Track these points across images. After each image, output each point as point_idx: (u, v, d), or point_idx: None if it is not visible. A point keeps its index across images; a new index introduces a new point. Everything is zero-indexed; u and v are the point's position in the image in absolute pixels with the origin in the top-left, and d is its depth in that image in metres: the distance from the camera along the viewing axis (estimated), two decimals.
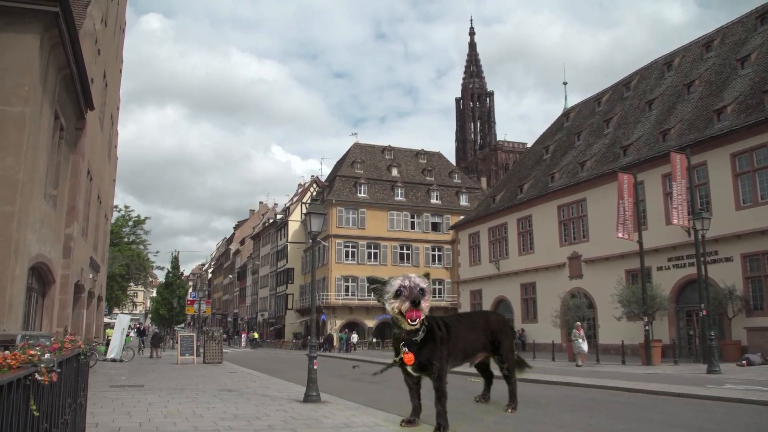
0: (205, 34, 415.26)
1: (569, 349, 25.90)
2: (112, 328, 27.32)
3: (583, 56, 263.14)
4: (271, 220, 72.65)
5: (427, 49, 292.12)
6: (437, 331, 5.69)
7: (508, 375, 6.70)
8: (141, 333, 39.14)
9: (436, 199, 52.34)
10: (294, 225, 59.71)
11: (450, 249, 50.17)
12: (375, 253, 49.35)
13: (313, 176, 68.03)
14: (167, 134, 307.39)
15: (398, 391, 12.98)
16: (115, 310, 48.70)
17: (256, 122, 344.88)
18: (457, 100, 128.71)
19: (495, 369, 7.22)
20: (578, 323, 22.78)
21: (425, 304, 5.24)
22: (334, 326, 47.45)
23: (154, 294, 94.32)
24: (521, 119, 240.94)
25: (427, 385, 6.12)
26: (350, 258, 48.89)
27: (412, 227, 50.81)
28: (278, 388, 12.71)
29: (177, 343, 24.65)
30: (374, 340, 46.57)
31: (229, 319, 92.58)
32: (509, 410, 6.45)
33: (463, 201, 53.29)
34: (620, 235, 23.97)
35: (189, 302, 52.98)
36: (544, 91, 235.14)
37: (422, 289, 5.24)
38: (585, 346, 21.68)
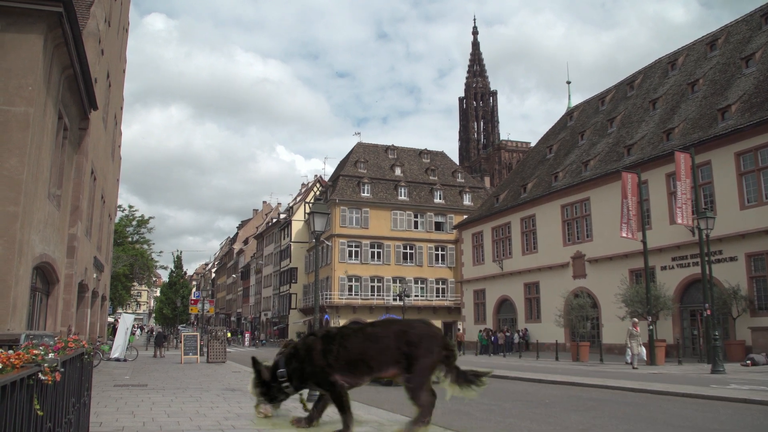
0: (208, 34, 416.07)
1: (573, 348, 25.86)
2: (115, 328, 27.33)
3: (585, 56, 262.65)
4: (274, 220, 72.68)
5: (429, 49, 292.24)
6: (304, 355, 6.08)
7: (412, 398, 6.05)
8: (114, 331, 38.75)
9: (440, 199, 52.26)
10: (297, 225, 59.73)
11: (453, 248, 50.11)
12: (378, 253, 49.33)
13: (316, 176, 67.94)
14: (172, 134, 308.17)
15: (401, 390, 13.00)
16: (119, 310, 48.79)
17: (260, 122, 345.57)
18: (461, 100, 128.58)
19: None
20: (635, 320, 21.14)
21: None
22: (337, 326, 47.42)
23: (158, 294, 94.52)
24: (524, 119, 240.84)
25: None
26: (353, 257, 48.87)
27: (416, 227, 50.75)
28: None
29: (180, 342, 24.69)
30: None
31: (233, 318, 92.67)
32: None
33: (467, 200, 53.19)
34: (624, 235, 23.91)
35: (192, 302, 53.09)
36: (546, 91, 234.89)
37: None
38: (643, 349, 20.00)
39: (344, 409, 5.88)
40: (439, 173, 54.97)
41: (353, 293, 48.46)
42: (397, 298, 42.82)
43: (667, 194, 25.61)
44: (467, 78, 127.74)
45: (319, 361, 5.87)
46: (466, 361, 27.10)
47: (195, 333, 26.36)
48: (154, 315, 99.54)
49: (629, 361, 20.07)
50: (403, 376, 5.72)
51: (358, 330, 6.10)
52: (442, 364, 5.83)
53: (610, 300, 26.42)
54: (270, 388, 6.27)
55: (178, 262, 78.96)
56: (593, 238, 30.02)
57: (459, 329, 42.44)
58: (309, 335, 6.37)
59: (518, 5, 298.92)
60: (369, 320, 43.57)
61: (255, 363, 6.51)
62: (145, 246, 43.85)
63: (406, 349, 5.69)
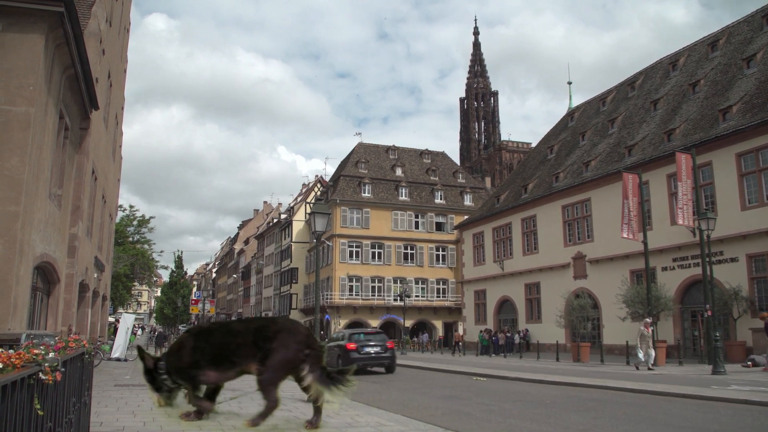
0: (209, 34, 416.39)
1: (573, 349, 25.84)
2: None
3: (586, 57, 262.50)
4: (275, 220, 72.69)
5: (430, 50, 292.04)
6: (176, 351, 6.49)
7: (261, 391, 6.35)
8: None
9: (440, 199, 52.27)
10: (298, 225, 59.75)
11: (454, 249, 50.11)
12: (379, 253, 49.35)
13: (317, 176, 67.96)
14: (173, 134, 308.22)
15: (402, 392, 12.96)
16: (120, 310, 48.82)
17: (261, 122, 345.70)
18: (462, 100, 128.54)
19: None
20: (647, 320, 19.86)
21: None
22: (338, 326, 47.45)
23: (159, 294, 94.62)
24: (524, 119, 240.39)
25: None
26: (354, 258, 48.88)
27: (416, 227, 50.77)
28: (282, 387, 12.69)
29: None
30: None
31: (233, 318, 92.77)
32: None
33: (468, 201, 53.20)
34: (625, 236, 23.89)
35: (193, 302, 53.20)
36: (547, 91, 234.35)
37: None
38: (652, 351, 19.09)
39: (196, 399, 6.60)
40: (439, 173, 54.99)
41: (354, 293, 48.46)
42: (398, 298, 42.82)
43: (668, 195, 25.60)
44: (468, 78, 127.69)
45: (188, 358, 6.30)
46: (466, 362, 27.07)
47: None
48: (154, 315, 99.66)
49: (643, 361, 19.04)
50: (257, 368, 5.99)
51: (223, 325, 6.60)
52: (303, 362, 5.96)
53: (610, 300, 26.40)
54: (154, 378, 6.55)
55: (179, 262, 79.12)
56: (594, 238, 30.01)
57: (458, 330, 42.44)
58: (186, 331, 6.84)
59: (519, 6, 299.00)
60: (370, 321, 42.98)
61: (140, 351, 6.79)
62: (146, 246, 43.92)
63: (262, 344, 5.99)
